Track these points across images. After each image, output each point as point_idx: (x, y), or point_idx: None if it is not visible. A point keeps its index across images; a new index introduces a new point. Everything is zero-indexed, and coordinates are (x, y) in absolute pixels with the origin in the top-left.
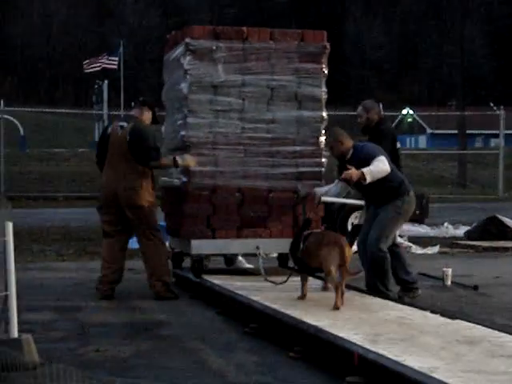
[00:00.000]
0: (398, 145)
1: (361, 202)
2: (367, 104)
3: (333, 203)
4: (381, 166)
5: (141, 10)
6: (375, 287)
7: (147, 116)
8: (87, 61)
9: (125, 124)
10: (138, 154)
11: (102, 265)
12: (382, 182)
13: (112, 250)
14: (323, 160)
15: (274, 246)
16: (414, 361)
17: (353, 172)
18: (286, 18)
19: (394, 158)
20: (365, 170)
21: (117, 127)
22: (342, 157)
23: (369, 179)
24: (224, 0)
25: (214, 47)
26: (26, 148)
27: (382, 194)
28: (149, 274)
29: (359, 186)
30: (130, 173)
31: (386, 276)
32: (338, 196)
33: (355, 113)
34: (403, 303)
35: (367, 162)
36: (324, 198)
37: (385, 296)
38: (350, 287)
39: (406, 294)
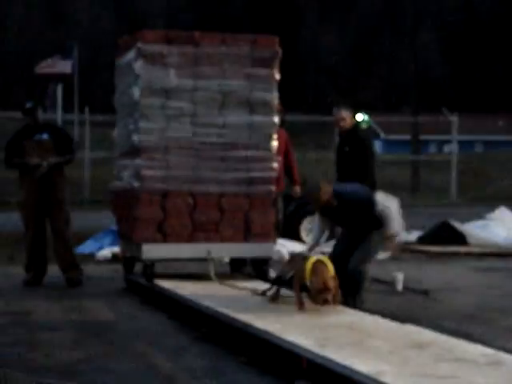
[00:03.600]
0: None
1: None
2: (349, 107)
3: (287, 207)
4: (392, 212)
5: (95, 13)
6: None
7: None
8: (41, 65)
9: None
10: None
11: None
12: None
13: None
14: (275, 165)
15: (226, 251)
16: (362, 365)
17: (394, 245)
18: (242, 23)
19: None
20: (393, 230)
21: None
22: (326, 205)
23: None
24: (179, 4)
25: (166, 52)
26: None
27: (364, 224)
28: None
29: (337, 217)
30: None
31: (360, 294)
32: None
33: (332, 117)
34: (354, 308)
35: (362, 205)
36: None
37: None
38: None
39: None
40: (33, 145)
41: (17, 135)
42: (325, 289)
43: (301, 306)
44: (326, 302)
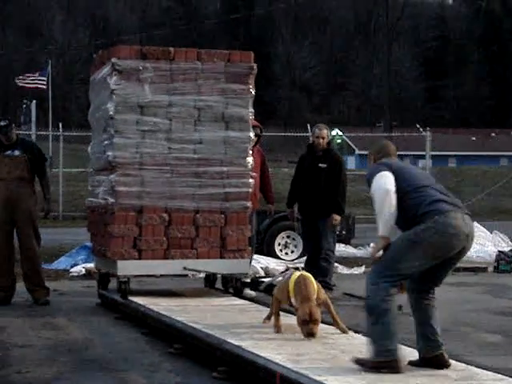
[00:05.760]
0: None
1: None
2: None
3: (261, 222)
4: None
5: (70, 29)
6: None
7: None
8: (21, 77)
9: None
10: None
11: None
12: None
13: None
14: (250, 181)
15: (201, 267)
16: (335, 381)
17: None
18: (216, 39)
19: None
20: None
21: None
22: None
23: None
24: (154, 20)
25: (141, 67)
26: None
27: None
28: None
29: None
30: None
31: None
32: None
33: (309, 133)
34: (326, 323)
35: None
36: None
37: None
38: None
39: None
40: (3, 160)
41: None
42: (311, 320)
43: (277, 330)
44: (311, 335)
